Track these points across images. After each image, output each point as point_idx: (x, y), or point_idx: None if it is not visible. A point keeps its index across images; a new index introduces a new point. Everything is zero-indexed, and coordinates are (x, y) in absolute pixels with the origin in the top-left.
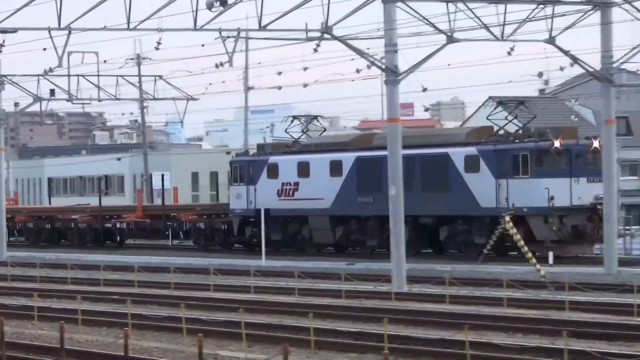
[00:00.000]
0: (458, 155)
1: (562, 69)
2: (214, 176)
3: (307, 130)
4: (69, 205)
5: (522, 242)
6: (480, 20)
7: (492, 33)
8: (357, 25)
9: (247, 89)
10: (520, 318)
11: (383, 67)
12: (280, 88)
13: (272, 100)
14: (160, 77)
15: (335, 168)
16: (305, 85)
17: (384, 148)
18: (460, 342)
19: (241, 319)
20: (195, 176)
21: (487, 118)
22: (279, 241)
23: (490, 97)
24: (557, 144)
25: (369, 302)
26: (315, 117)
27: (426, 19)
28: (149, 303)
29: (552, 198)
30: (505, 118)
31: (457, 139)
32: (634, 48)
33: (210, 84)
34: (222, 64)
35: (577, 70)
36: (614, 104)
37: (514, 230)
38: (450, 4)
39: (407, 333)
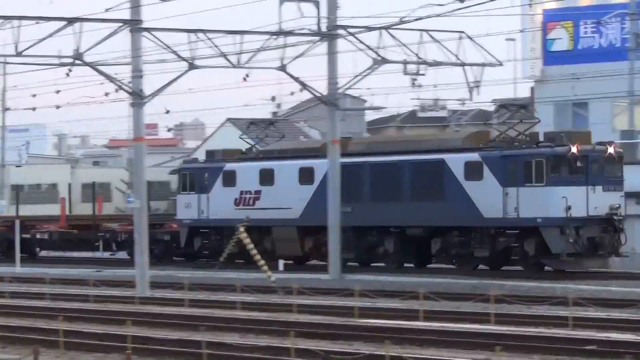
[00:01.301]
0: (456, 161)
1: (292, 93)
2: None
3: (266, 136)
4: None
5: (255, 251)
6: (219, 49)
7: (229, 61)
8: (106, 52)
9: (4, 109)
10: (252, 320)
11: (130, 91)
12: (34, 109)
13: (27, 120)
14: None
15: (306, 175)
16: (57, 107)
17: (361, 154)
18: (198, 342)
19: None
20: None
21: (485, 124)
22: (236, 253)
23: (228, 119)
24: (574, 149)
25: (115, 306)
26: (272, 122)
27: (170, 48)
28: None
29: (569, 208)
30: (504, 123)
31: (453, 144)
32: (356, 76)
33: None
34: None
35: (307, 95)
36: (339, 125)
37: (248, 239)
38: (191, 34)
39: (149, 334)
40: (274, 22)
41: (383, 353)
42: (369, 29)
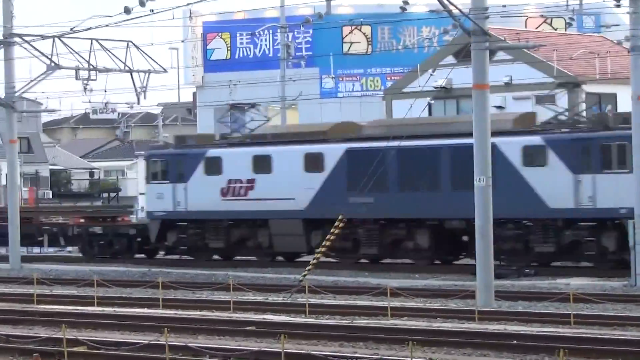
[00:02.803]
0: (511, 145)
1: None
2: None
3: (252, 120)
4: None
5: None
6: None
7: None
8: None
9: None
10: None
11: None
12: None
13: None
14: None
15: (313, 162)
16: None
17: (378, 139)
18: None
19: None
20: None
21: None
22: (222, 249)
23: None
24: None
25: None
26: (253, 105)
27: None
28: None
29: None
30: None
31: (502, 127)
32: (32, 80)
33: None
34: None
35: None
36: (16, 126)
37: None
38: None
39: None
40: None
41: (60, 336)
42: (43, 37)
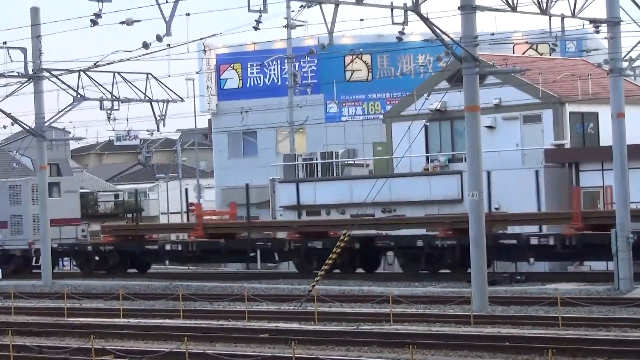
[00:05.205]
0: None
1: (5, 127)
2: None
3: None
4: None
5: None
6: None
7: None
8: None
9: None
10: None
11: None
12: None
13: None
14: None
15: None
16: None
17: None
18: None
19: None
20: None
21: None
22: None
23: None
24: None
25: None
26: None
27: None
28: None
29: None
30: None
31: None
32: (60, 111)
33: None
34: None
35: (18, 128)
36: (46, 153)
37: None
38: None
39: None
40: None
41: (89, 346)
42: (69, 71)
